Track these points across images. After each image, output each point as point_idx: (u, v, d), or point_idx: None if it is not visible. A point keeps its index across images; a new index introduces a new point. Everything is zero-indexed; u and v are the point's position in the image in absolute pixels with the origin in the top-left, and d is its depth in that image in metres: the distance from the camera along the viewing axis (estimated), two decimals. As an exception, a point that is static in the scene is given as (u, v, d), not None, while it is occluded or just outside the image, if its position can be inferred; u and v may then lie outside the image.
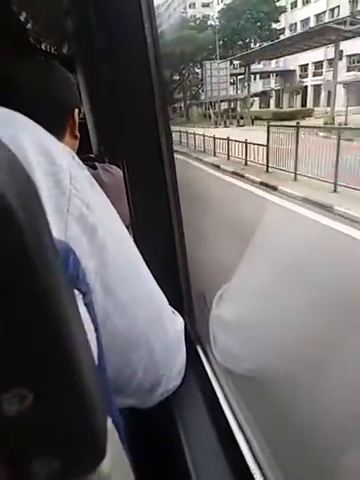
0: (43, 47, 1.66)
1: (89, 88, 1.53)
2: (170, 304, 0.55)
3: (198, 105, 38.70)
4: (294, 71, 36.29)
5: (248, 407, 0.63)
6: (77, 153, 0.96)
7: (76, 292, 0.30)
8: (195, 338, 0.80)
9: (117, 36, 0.73)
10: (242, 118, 26.49)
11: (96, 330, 0.33)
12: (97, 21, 0.80)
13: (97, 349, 0.33)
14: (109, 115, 0.93)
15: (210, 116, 31.21)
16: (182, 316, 0.60)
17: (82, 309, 0.31)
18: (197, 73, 38.55)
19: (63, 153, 0.38)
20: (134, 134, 0.75)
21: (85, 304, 0.31)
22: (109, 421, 0.33)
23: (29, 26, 1.52)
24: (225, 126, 25.16)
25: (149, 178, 0.77)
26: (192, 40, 37.55)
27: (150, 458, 0.61)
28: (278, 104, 37.37)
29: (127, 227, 0.85)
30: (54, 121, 0.75)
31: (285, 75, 36.45)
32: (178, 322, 0.56)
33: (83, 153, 1.11)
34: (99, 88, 1.37)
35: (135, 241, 0.85)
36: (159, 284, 0.52)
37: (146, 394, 0.52)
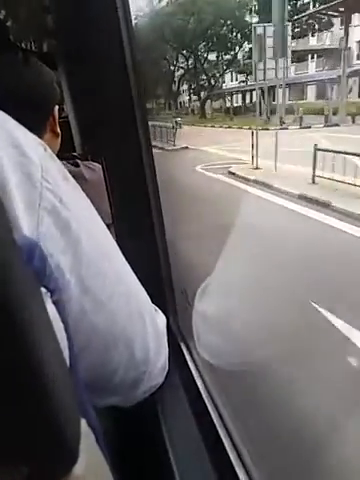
0: (24, 45, 1.64)
1: (71, 86, 1.51)
2: (152, 301, 0.55)
3: (212, 98, 31.37)
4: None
5: (230, 402, 0.63)
6: (60, 151, 0.95)
7: (43, 290, 0.29)
8: (178, 335, 0.80)
9: (95, 37, 0.73)
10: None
11: (67, 329, 0.32)
12: (76, 18, 0.79)
13: (68, 350, 0.32)
14: (90, 114, 0.92)
15: (229, 111, 25.73)
16: (165, 313, 0.60)
17: (50, 308, 0.30)
18: (208, 60, 30.55)
19: (34, 145, 0.37)
20: (113, 131, 0.75)
21: (53, 302, 0.30)
22: (84, 423, 0.32)
23: (9, 24, 1.50)
24: (281, 126, 15.84)
25: (128, 175, 0.76)
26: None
27: (133, 456, 0.61)
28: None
29: (109, 226, 0.84)
30: (32, 118, 0.73)
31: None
32: (160, 319, 0.56)
33: (66, 151, 1.10)
34: (80, 86, 1.36)
35: (117, 238, 0.85)
36: (141, 281, 0.51)
37: (128, 392, 0.52)
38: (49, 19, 1.46)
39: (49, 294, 0.30)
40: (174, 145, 14.67)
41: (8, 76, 0.75)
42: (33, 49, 1.75)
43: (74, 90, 1.52)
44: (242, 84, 28.40)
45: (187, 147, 14.20)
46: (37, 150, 0.36)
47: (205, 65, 30.54)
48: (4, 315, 0.22)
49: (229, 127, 19.18)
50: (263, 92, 19.39)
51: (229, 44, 28.82)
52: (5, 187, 0.31)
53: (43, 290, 0.29)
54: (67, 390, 0.28)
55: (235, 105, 28.04)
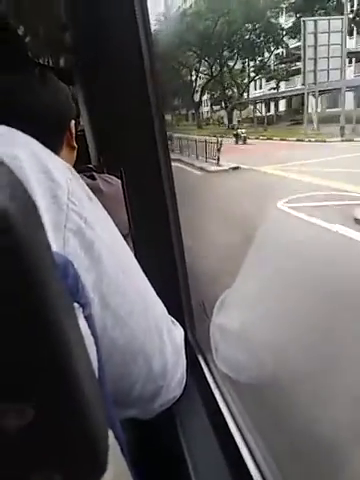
0: (41, 61, 1.67)
1: (87, 99, 1.54)
2: (170, 314, 0.55)
3: (238, 107, 28.89)
4: None
5: (250, 416, 0.63)
6: (76, 164, 0.97)
7: (76, 305, 0.30)
8: (196, 347, 0.80)
9: (113, 48, 0.75)
10: None
11: (96, 343, 0.33)
12: (94, 34, 0.81)
13: (97, 362, 0.33)
14: (107, 126, 0.94)
15: (258, 121, 23.49)
16: (182, 325, 0.60)
17: (82, 322, 0.31)
18: (231, 66, 28.14)
19: (61, 168, 0.38)
20: (132, 144, 0.76)
21: (85, 317, 0.31)
22: (111, 435, 0.33)
23: (27, 40, 1.53)
24: (342, 137, 12.83)
25: (147, 187, 0.77)
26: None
27: (153, 469, 0.60)
28: None
29: (126, 236, 0.85)
30: (50, 134, 0.75)
31: None
32: (178, 332, 0.56)
33: (82, 164, 1.12)
34: (97, 100, 1.38)
35: (134, 250, 0.86)
36: (158, 293, 0.52)
37: (146, 405, 0.52)
38: (67, 36, 1.50)
39: (81, 309, 0.31)
40: (218, 164, 10.97)
41: (26, 94, 0.77)
42: (50, 64, 1.78)
43: (90, 104, 1.55)
44: (271, 91, 26.29)
45: (238, 167, 10.07)
46: (64, 173, 0.38)
47: (232, 72, 28.63)
48: (42, 327, 0.23)
49: (269, 139, 16.47)
50: (303, 98, 17.57)
51: (256, 49, 26.97)
52: None
53: (76, 305, 0.30)
54: (98, 402, 0.29)
55: (265, 114, 25.29)
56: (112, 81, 0.79)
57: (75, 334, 0.27)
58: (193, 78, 30.82)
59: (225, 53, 28.37)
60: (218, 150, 11.23)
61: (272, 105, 26.48)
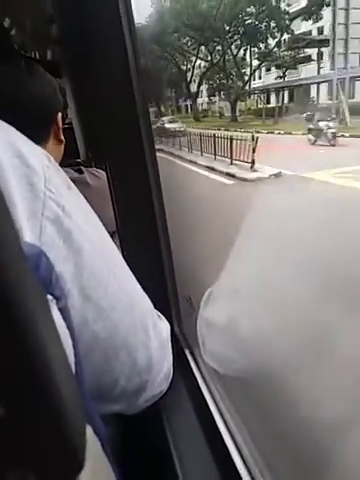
0: (28, 53, 1.65)
1: (75, 93, 1.53)
2: (156, 308, 0.55)
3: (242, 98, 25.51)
4: None
5: (237, 410, 0.63)
6: (64, 158, 0.96)
7: (49, 297, 0.29)
8: (183, 341, 0.80)
9: (99, 42, 0.74)
10: None
11: (72, 336, 0.32)
12: (81, 26, 0.80)
13: (74, 356, 0.32)
14: (94, 120, 0.93)
15: (264, 112, 20.07)
16: (169, 320, 0.59)
17: (56, 315, 0.30)
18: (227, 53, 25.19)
19: (37, 155, 0.37)
20: (117, 138, 0.75)
21: (59, 309, 0.31)
22: (90, 430, 0.32)
23: (13, 32, 1.51)
24: None
25: (133, 182, 0.76)
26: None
27: (139, 464, 0.60)
28: None
29: (114, 233, 0.85)
30: (35, 125, 0.74)
31: None
32: (164, 327, 0.56)
33: (70, 158, 1.11)
34: (85, 93, 1.37)
35: (120, 245, 0.85)
36: (145, 288, 0.51)
37: (131, 399, 0.51)
38: (53, 27, 1.48)
39: (55, 301, 0.30)
40: (253, 168, 7.57)
41: (12, 86, 0.76)
42: (38, 57, 1.76)
43: (78, 97, 1.54)
44: (277, 81, 23.18)
45: (280, 173, 6.87)
46: (40, 160, 0.37)
47: (236, 58, 25.33)
48: (11, 321, 0.22)
49: (287, 133, 12.93)
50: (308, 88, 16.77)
51: (259, 35, 24.06)
52: (9, 197, 0.31)
53: (49, 297, 0.29)
54: (73, 397, 0.28)
55: (277, 105, 21.87)
56: (98, 74, 0.78)
57: (48, 327, 0.27)
58: (190, 66, 28.77)
59: (228, 38, 24.71)
60: (253, 150, 8.07)
61: (272, 96, 24.03)
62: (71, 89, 1.55)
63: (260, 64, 25.22)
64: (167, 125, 16.22)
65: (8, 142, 0.34)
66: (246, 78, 26.51)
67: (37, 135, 0.76)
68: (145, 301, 0.52)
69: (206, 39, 25.68)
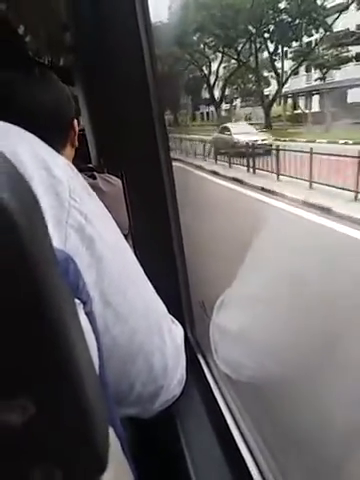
0: (42, 60, 1.68)
1: (88, 99, 1.54)
2: (170, 313, 0.55)
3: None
4: None
5: (250, 415, 0.63)
6: (76, 163, 0.97)
7: (77, 301, 0.30)
8: (196, 347, 0.80)
9: (114, 49, 0.75)
10: None
11: (97, 340, 0.33)
12: (95, 34, 0.81)
13: (98, 359, 0.33)
14: (108, 126, 0.94)
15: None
16: (182, 325, 0.60)
17: (83, 318, 0.31)
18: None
19: (62, 165, 0.38)
20: (132, 145, 0.76)
21: (86, 313, 0.31)
22: (111, 431, 0.33)
23: (28, 39, 1.54)
24: None
25: (148, 188, 0.77)
26: None
27: (153, 467, 0.60)
28: None
29: (126, 235, 0.85)
30: (53, 132, 0.75)
31: None
32: (178, 332, 0.56)
33: (82, 163, 1.12)
34: (97, 100, 1.39)
35: (134, 250, 0.86)
36: (159, 293, 0.52)
37: (146, 404, 0.52)
38: (67, 35, 1.51)
39: (82, 305, 0.31)
40: None
41: (27, 92, 0.77)
42: (50, 64, 1.79)
43: (91, 104, 1.56)
44: (316, 83, 19.68)
45: None
46: (64, 170, 0.38)
47: (271, 57, 21.44)
48: (44, 323, 0.23)
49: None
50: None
51: (292, 32, 20.90)
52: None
53: (77, 301, 0.30)
54: (99, 399, 0.29)
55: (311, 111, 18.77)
56: (112, 81, 0.79)
57: (76, 330, 0.27)
58: (213, 69, 25.48)
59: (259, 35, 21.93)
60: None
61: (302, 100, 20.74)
62: (84, 96, 1.57)
63: (300, 64, 21.19)
64: (238, 136, 10.55)
65: (34, 154, 0.36)
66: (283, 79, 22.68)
67: (55, 141, 0.78)
68: (160, 306, 0.52)
69: (231, 39, 22.22)
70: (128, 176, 0.79)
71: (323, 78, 20.07)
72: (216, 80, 25.95)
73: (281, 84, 21.85)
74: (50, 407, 0.24)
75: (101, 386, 0.32)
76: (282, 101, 22.19)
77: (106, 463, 0.29)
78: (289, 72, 21.62)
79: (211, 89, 26.60)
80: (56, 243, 0.34)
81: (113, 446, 0.32)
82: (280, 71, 22.50)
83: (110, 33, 0.75)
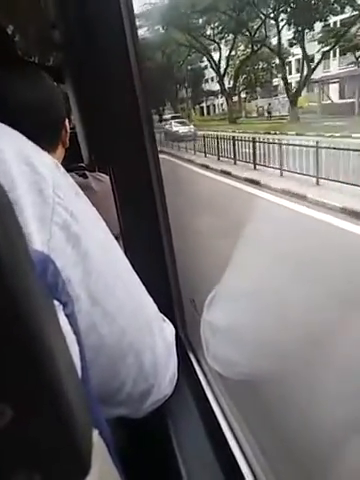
0: (31, 59, 1.67)
1: (78, 98, 1.54)
2: (160, 311, 0.55)
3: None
4: None
5: (241, 411, 0.63)
6: (68, 162, 0.97)
7: (56, 303, 0.29)
8: (187, 345, 0.80)
9: (101, 47, 0.74)
10: None
11: (79, 341, 0.33)
12: (83, 32, 0.81)
13: (80, 361, 0.33)
14: (97, 123, 0.93)
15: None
16: (173, 323, 0.60)
17: (63, 320, 0.30)
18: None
19: (46, 161, 0.38)
20: (120, 142, 0.76)
21: (66, 315, 0.31)
22: (96, 433, 0.32)
23: (16, 39, 1.53)
24: None
25: (136, 185, 0.77)
26: None
27: (143, 468, 0.60)
28: None
29: (117, 237, 0.85)
30: (46, 132, 0.75)
31: None
32: (168, 330, 0.56)
33: (73, 162, 1.11)
34: (87, 97, 1.38)
35: (124, 248, 0.86)
36: (149, 291, 0.52)
37: (136, 404, 0.52)
38: (56, 34, 1.50)
39: (61, 307, 0.30)
40: None
41: (21, 92, 0.76)
42: (40, 62, 1.78)
43: (81, 102, 1.55)
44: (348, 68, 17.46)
45: None
46: (48, 166, 0.38)
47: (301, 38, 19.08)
48: (19, 326, 0.22)
49: None
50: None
51: (315, 13, 18.71)
52: (19, 204, 0.32)
53: (56, 303, 0.29)
54: (80, 401, 0.28)
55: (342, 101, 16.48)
56: (101, 79, 0.78)
57: (55, 333, 0.27)
58: (217, 57, 22.90)
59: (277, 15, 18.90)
60: None
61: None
62: (74, 94, 1.57)
63: (333, 46, 18.78)
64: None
65: (18, 150, 0.35)
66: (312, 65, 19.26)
67: (47, 140, 0.77)
68: (151, 304, 0.52)
69: (242, 22, 19.86)
70: (116, 171, 0.79)
71: (357, 62, 18.17)
72: (225, 70, 23.17)
73: (311, 69, 19.06)
74: (28, 411, 0.24)
75: (84, 388, 0.32)
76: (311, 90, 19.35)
77: (89, 465, 0.29)
78: (318, 56, 19.17)
79: (221, 78, 23.69)
80: (40, 241, 0.33)
81: (98, 448, 0.31)
82: (296, 57, 20.59)
83: (97, 31, 0.75)
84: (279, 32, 20.09)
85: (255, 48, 21.64)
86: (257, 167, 8.84)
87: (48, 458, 0.26)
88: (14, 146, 0.36)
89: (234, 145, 10.30)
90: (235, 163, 9.96)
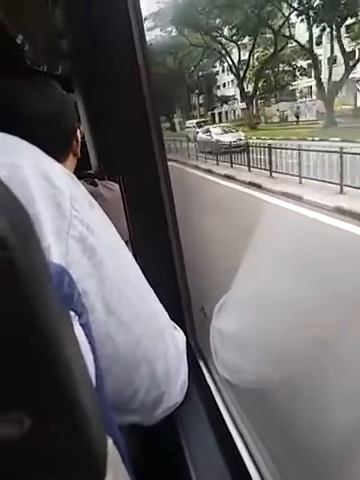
0: (40, 68, 1.69)
1: (86, 106, 1.55)
2: (170, 318, 0.55)
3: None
4: None
5: (251, 420, 0.63)
6: (77, 170, 0.97)
7: (72, 314, 0.30)
8: (197, 352, 0.80)
9: (109, 55, 0.75)
10: None
11: (93, 350, 0.33)
12: (91, 40, 0.82)
13: (95, 369, 0.33)
14: (106, 132, 0.94)
15: None
16: (183, 330, 0.60)
17: (78, 330, 0.31)
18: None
19: (62, 175, 0.38)
20: (129, 150, 0.77)
21: (81, 325, 0.31)
22: (110, 441, 0.33)
23: (26, 49, 1.54)
24: None
25: (145, 193, 0.78)
26: None
27: (155, 476, 0.60)
28: None
29: (126, 242, 0.85)
30: (56, 142, 0.76)
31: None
32: (180, 338, 0.56)
33: (83, 170, 1.12)
34: (96, 106, 1.39)
35: (134, 256, 0.86)
36: (159, 299, 0.52)
37: (148, 411, 0.52)
38: (64, 43, 1.51)
39: (77, 317, 0.31)
40: None
41: (32, 102, 0.77)
42: (49, 72, 1.79)
43: (90, 110, 1.56)
44: None
45: None
46: (65, 180, 0.38)
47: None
48: (36, 336, 0.23)
49: None
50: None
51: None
52: (38, 218, 0.33)
53: (71, 313, 0.30)
54: (95, 410, 0.29)
55: None
56: (109, 88, 0.79)
57: (71, 343, 0.27)
58: (240, 56, 21.03)
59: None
60: None
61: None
62: (83, 103, 1.58)
63: None
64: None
65: (35, 164, 0.36)
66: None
67: (58, 151, 0.78)
68: (162, 312, 0.52)
69: (264, 20, 17.81)
70: (125, 180, 0.80)
71: None
72: (245, 73, 20.97)
73: (350, 68, 16.86)
74: (46, 420, 0.24)
75: (98, 396, 0.32)
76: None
77: (104, 472, 0.29)
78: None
79: (241, 82, 21.63)
80: (57, 254, 0.34)
81: (112, 455, 0.32)
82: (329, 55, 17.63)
83: (104, 38, 0.75)
84: (311, 27, 17.75)
85: (279, 47, 19.63)
86: (328, 185, 6.69)
87: (64, 466, 0.27)
88: (31, 160, 0.36)
89: (270, 154, 8.61)
90: (300, 182, 7.59)
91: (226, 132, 15.22)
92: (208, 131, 15.68)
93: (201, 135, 15.70)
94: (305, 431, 0.52)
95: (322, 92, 18.07)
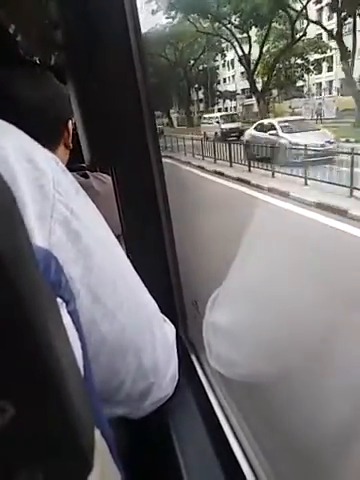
0: (34, 59, 1.67)
1: (80, 98, 1.54)
2: (162, 311, 0.55)
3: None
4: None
5: (243, 413, 0.62)
6: (69, 162, 0.96)
7: (59, 300, 0.29)
8: (189, 346, 0.80)
9: (103, 47, 0.74)
10: None
11: (81, 338, 0.33)
12: (85, 31, 0.81)
13: (83, 358, 0.33)
14: (99, 124, 0.93)
15: None
16: (175, 324, 0.59)
17: (66, 317, 0.30)
18: None
19: (46, 158, 0.38)
20: (122, 142, 0.76)
21: (69, 312, 0.31)
22: (98, 433, 0.32)
23: (19, 39, 1.53)
24: None
25: (138, 185, 0.77)
26: None
27: (144, 469, 0.60)
28: None
29: (119, 237, 0.85)
30: (47, 131, 0.75)
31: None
32: (169, 330, 0.56)
33: (75, 162, 1.11)
34: (89, 98, 1.38)
35: (126, 248, 0.86)
36: (151, 292, 0.52)
37: (136, 403, 0.51)
38: (58, 33, 1.50)
39: (64, 304, 0.30)
40: None
41: (26, 92, 0.76)
42: (42, 62, 1.77)
43: (82, 102, 1.55)
44: None
45: None
46: (49, 163, 0.38)
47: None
48: (22, 323, 0.22)
49: None
50: None
51: None
52: (21, 200, 0.32)
53: (59, 300, 0.29)
54: (82, 399, 0.28)
55: None
56: (103, 79, 0.79)
57: (58, 329, 0.27)
58: (251, 47, 19.24)
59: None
60: None
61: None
62: (75, 94, 1.57)
63: None
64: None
65: (19, 147, 0.35)
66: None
67: (48, 139, 0.77)
68: (151, 303, 0.52)
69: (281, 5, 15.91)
70: (118, 172, 0.79)
71: None
72: (256, 66, 19.15)
73: None
74: (30, 408, 0.24)
75: (86, 385, 0.32)
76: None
77: (92, 463, 0.29)
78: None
79: (251, 75, 19.75)
80: (40, 238, 0.33)
81: (99, 447, 0.31)
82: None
83: (100, 30, 0.75)
84: (339, 14, 15.56)
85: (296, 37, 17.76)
86: None
87: (50, 455, 0.26)
88: (15, 143, 0.36)
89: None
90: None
91: (303, 131, 9.86)
92: (272, 128, 10.45)
93: (255, 134, 10.76)
94: (298, 426, 0.52)
95: (353, 87, 15.96)
